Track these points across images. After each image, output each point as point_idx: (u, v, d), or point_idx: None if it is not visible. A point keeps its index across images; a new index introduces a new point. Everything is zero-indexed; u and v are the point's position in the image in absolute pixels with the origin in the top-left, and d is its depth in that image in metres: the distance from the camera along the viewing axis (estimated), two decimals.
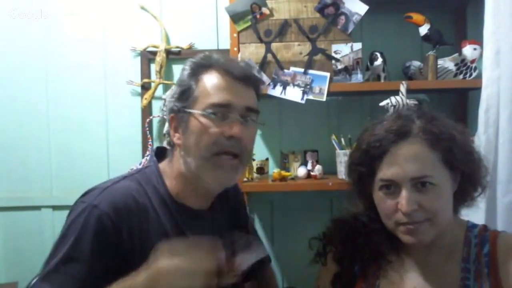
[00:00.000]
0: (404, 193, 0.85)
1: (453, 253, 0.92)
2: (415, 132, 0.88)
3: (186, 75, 0.98)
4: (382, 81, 1.69)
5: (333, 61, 1.66)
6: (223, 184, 0.99)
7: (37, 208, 1.95)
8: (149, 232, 0.92)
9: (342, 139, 1.71)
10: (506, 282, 0.85)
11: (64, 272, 0.85)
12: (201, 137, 0.93)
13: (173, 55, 1.91)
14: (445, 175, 0.88)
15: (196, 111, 0.94)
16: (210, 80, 0.95)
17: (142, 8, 1.91)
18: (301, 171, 1.75)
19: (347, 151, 1.63)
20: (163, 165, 1.03)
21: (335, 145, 1.71)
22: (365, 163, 0.91)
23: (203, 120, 0.93)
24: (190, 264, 0.76)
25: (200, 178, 0.95)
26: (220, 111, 0.93)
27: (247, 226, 1.22)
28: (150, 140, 1.88)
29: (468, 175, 0.90)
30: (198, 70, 0.97)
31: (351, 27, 1.66)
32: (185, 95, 0.97)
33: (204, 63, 0.98)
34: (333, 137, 1.72)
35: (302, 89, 1.65)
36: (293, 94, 1.66)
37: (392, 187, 0.88)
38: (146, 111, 1.90)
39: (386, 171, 0.88)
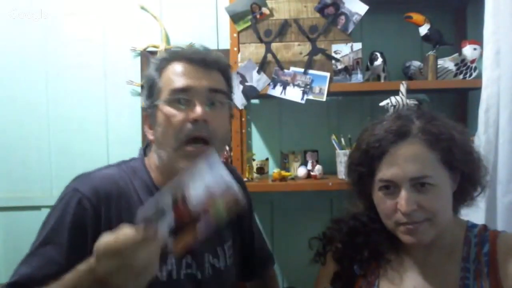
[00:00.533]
0: (403, 194, 0.85)
1: (453, 252, 0.92)
2: (415, 132, 0.88)
3: (150, 71, 0.99)
4: (382, 81, 1.69)
5: (333, 61, 1.66)
6: None
7: (37, 208, 1.95)
8: (131, 219, 0.91)
9: (342, 139, 1.71)
10: (506, 282, 0.85)
11: (42, 254, 0.87)
12: (167, 127, 0.92)
13: None
14: (445, 175, 0.88)
15: (160, 101, 0.94)
16: (171, 70, 0.96)
17: (142, 8, 1.91)
18: (301, 171, 1.75)
19: (347, 151, 1.63)
20: (148, 160, 1.04)
21: (335, 145, 1.71)
22: (365, 164, 0.91)
23: (166, 109, 0.93)
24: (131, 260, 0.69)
25: (175, 169, 0.93)
26: (182, 96, 0.92)
27: (252, 226, 1.21)
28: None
29: (467, 175, 0.90)
30: (161, 64, 0.97)
31: (351, 27, 1.66)
32: (151, 90, 0.97)
33: (166, 57, 0.98)
34: (333, 137, 1.72)
35: (302, 89, 1.65)
36: (293, 94, 1.66)
37: (391, 187, 0.88)
38: None
39: (385, 172, 0.88)
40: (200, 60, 0.95)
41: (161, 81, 0.96)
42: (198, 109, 0.91)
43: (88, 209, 0.89)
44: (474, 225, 0.96)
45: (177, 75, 0.94)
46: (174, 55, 0.97)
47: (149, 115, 0.99)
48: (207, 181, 0.74)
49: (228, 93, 1.00)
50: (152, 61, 1.00)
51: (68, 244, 0.87)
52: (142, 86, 1.89)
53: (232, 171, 1.18)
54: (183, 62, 0.95)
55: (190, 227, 0.73)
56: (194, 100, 0.92)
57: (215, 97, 0.95)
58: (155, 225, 0.71)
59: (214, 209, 0.75)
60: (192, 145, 0.92)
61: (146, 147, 1.06)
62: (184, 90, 0.93)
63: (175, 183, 0.74)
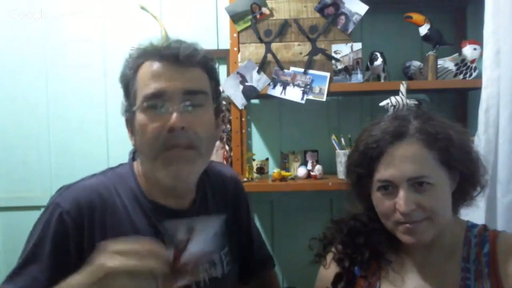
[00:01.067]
0: (401, 194, 0.85)
1: (453, 253, 0.92)
2: (412, 132, 0.88)
3: (124, 70, 0.93)
4: (382, 81, 1.69)
5: (333, 61, 1.66)
6: (179, 178, 0.88)
7: (37, 208, 1.94)
8: (116, 230, 0.87)
9: (342, 139, 1.71)
10: (506, 282, 0.85)
11: (27, 274, 0.84)
12: (144, 135, 0.86)
13: None
14: (443, 175, 0.88)
15: (135, 109, 0.88)
16: (143, 71, 0.88)
17: (142, 8, 1.91)
18: (301, 171, 1.75)
19: (347, 151, 1.63)
20: (137, 164, 0.98)
21: (335, 145, 1.71)
22: (363, 165, 0.91)
23: (141, 117, 0.86)
24: (135, 264, 0.65)
25: (158, 178, 0.89)
26: (155, 102, 0.85)
27: (250, 228, 1.18)
28: None
29: (466, 174, 0.90)
30: (133, 63, 0.91)
31: (351, 27, 1.66)
32: (128, 92, 0.92)
33: (138, 54, 0.91)
34: (333, 137, 1.72)
35: (302, 89, 1.65)
36: (293, 94, 1.66)
37: (390, 187, 0.88)
38: None
39: (383, 172, 0.88)
40: (173, 56, 0.87)
41: (136, 83, 0.89)
42: (174, 117, 0.83)
43: (69, 224, 0.85)
44: (474, 225, 0.96)
45: (149, 78, 0.87)
46: (146, 53, 0.90)
47: (128, 120, 0.93)
48: (206, 244, 0.72)
49: (208, 91, 0.91)
50: (126, 59, 0.94)
51: (50, 262, 0.84)
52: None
53: (225, 174, 1.13)
54: (155, 61, 0.88)
55: (173, 278, 0.70)
56: (169, 106, 0.85)
57: (194, 99, 0.87)
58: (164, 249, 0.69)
59: (195, 272, 0.73)
60: (172, 149, 0.85)
61: (136, 151, 0.99)
62: (156, 95, 0.85)
63: (190, 224, 0.71)
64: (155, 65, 0.87)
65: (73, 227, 0.86)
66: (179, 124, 0.83)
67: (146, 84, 0.87)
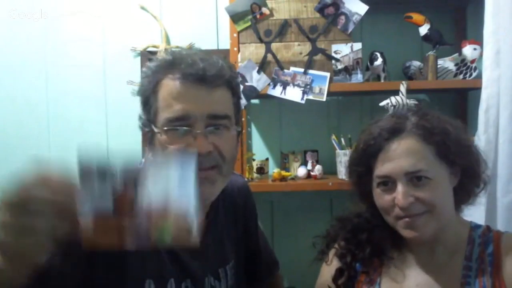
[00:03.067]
0: (400, 188, 0.86)
1: (456, 251, 0.92)
2: (408, 128, 0.89)
3: (144, 83, 0.86)
4: (382, 81, 1.69)
5: (333, 61, 1.66)
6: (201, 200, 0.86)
7: None
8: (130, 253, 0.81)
9: (342, 139, 1.71)
10: (509, 282, 0.86)
11: None
12: None
13: None
14: (442, 169, 0.88)
15: (156, 129, 0.83)
16: (166, 88, 0.82)
17: (142, 8, 1.91)
18: (301, 171, 1.75)
19: (347, 151, 1.64)
20: None
21: (335, 145, 1.71)
22: (362, 163, 0.93)
23: (164, 139, 0.81)
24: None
25: None
26: (179, 124, 0.81)
27: (258, 237, 1.16)
28: None
29: (467, 169, 0.90)
30: (154, 77, 0.85)
31: (351, 27, 1.66)
32: (147, 106, 0.86)
33: (160, 68, 0.85)
34: (333, 137, 1.72)
35: (302, 89, 1.65)
36: (293, 94, 1.66)
37: (389, 183, 0.89)
38: None
39: (381, 168, 0.89)
40: (200, 77, 0.81)
41: (156, 100, 0.83)
42: (200, 142, 0.80)
43: None
44: (477, 226, 0.96)
45: (172, 98, 0.81)
46: (169, 68, 0.84)
47: (146, 136, 0.88)
48: (171, 190, 0.59)
49: (232, 113, 0.87)
50: (145, 70, 0.87)
51: None
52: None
53: (237, 186, 1.08)
54: (180, 78, 0.81)
55: (118, 227, 0.58)
56: (193, 130, 0.81)
57: (217, 123, 0.83)
58: (86, 186, 0.56)
59: (159, 227, 0.59)
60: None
61: None
62: (180, 118, 0.81)
63: (135, 169, 0.59)
64: (178, 84, 0.81)
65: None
66: (205, 150, 0.80)
67: (169, 105, 0.81)
